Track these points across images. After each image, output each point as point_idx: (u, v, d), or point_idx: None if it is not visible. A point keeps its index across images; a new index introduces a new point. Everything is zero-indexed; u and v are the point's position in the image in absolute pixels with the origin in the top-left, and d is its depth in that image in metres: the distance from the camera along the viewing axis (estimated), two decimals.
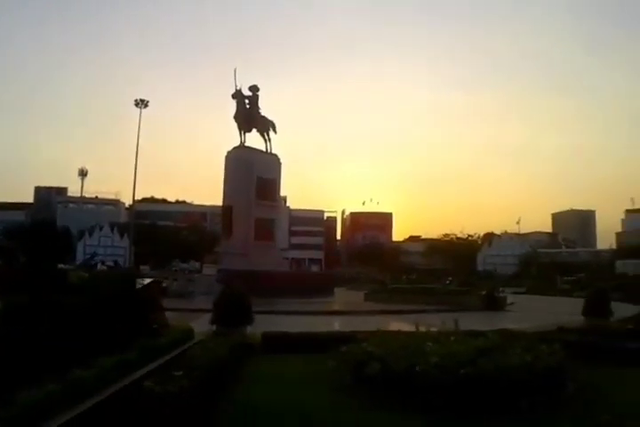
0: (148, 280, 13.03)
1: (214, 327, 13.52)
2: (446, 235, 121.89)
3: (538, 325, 17.75)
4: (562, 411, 7.55)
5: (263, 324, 14.39)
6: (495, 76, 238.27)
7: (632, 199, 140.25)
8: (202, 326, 13.81)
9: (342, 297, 37.91)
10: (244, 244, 37.92)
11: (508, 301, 30.67)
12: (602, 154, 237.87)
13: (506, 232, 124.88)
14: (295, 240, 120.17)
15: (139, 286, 11.61)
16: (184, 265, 58.09)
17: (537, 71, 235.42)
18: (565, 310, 21.71)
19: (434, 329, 10.67)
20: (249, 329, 13.66)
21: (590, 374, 9.38)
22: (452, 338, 9.27)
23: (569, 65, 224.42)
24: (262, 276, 32.10)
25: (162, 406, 5.97)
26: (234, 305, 13.61)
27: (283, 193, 48.71)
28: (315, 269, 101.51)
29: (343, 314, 25.87)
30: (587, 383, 8.79)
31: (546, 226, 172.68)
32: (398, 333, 11.09)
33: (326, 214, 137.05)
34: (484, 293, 30.06)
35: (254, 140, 42.00)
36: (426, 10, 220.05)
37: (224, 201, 40.80)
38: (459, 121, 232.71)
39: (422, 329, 10.73)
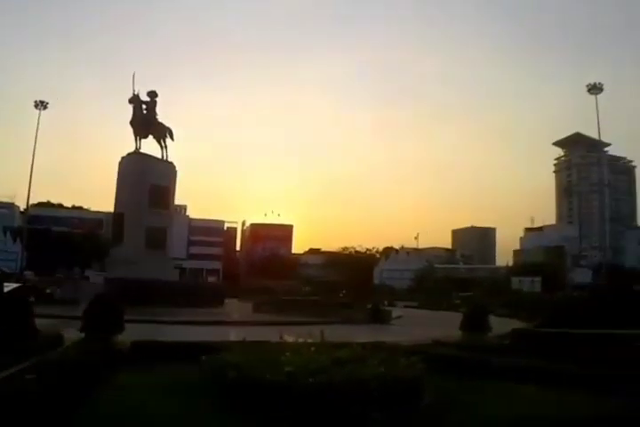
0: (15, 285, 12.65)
1: (83, 335, 13.26)
2: (345, 248, 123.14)
3: (415, 338, 18.08)
4: (414, 423, 7.74)
5: (141, 332, 14.26)
6: (403, 93, 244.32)
7: (532, 218, 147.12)
8: (77, 333, 13.50)
9: (232, 308, 37.85)
10: (135, 252, 37.34)
11: (395, 314, 31.40)
12: (505, 172, 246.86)
13: (402, 247, 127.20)
14: (194, 250, 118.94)
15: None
16: (76, 272, 56.97)
17: (444, 90, 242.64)
18: (450, 325, 22.25)
19: (301, 340, 10.80)
20: (120, 337, 13.43)
21: (452, 387, 9.74)
22: (313, 349, 9.42)
23: (476, 85, 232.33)
24: (151, 285, 31.71)
25: (4, 407, 5.91)
26: (104, 313, 13.38)
27: (183, 202, 48.40)
28: (212, 279, 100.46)
29: (226, 324, 25.79)
30: (447, 396, 9.07)
31: (446, 242, 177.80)
32: (263, 343, 11.17)
33: (227, 225, 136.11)
34: (369, 306, 30.65)
35: (151, 147, 41.66)
36: (341, 27, 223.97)
37: (115, 208, 40.23)
38: (362, 135, 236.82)
39: (289, 340, 10.86)
